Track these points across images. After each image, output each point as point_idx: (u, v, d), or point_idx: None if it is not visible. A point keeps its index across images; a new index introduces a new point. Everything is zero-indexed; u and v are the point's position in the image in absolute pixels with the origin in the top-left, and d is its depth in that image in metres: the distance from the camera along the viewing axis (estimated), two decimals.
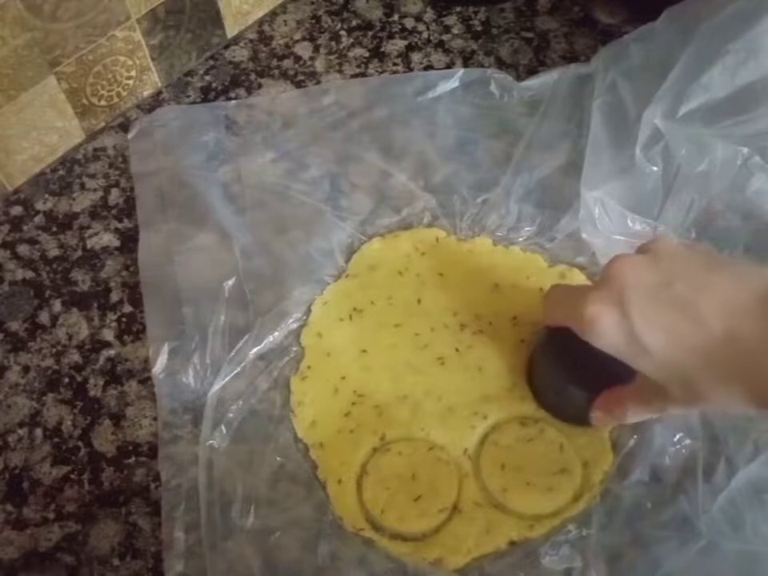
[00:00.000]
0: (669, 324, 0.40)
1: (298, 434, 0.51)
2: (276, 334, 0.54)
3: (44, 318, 0.57)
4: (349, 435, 0.50)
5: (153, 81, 0.66)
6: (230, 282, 0.55)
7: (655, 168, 0.56)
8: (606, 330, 0.41)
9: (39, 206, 0.62)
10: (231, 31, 0.69)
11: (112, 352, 0.55)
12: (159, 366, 0.53)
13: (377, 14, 0.71)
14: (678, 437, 0.49)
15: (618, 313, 0.41)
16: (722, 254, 0.54)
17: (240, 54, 0.69)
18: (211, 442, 0.50)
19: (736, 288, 0.40)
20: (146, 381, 0.53)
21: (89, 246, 0.60)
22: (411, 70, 0.67)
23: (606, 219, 0.56)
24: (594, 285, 0.44)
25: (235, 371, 0.52)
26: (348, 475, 0.49)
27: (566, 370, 0.48)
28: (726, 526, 0.46)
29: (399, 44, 0.69)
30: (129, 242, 0.59)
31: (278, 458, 0.50)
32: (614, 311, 0.41)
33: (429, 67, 0.68)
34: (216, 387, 0.52)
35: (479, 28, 0.70)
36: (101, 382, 0.54)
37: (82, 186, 0.63)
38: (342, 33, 0.70)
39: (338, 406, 0.51)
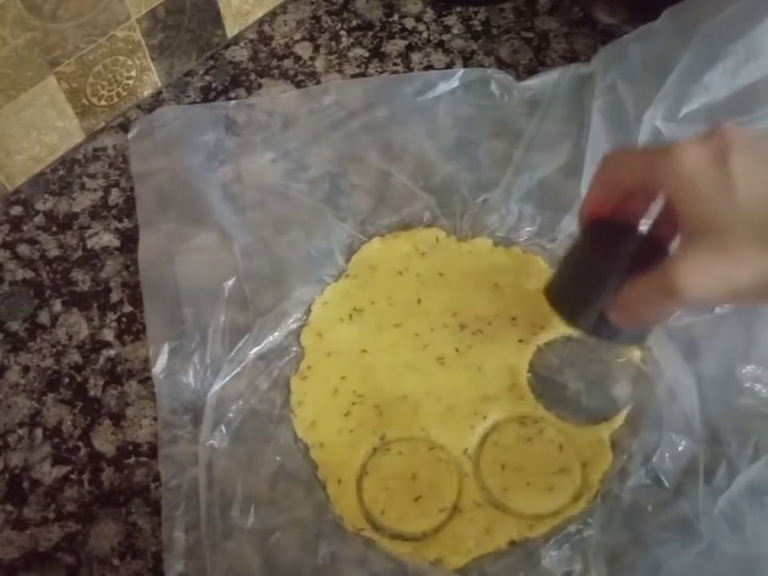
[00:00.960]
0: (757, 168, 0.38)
1: (298, 434, 0.51)
2: (276, 334, 0.54)
3: (44, 317, 0.57)
4: (349, 435, 0.50)
5: (153, 81, 0.66)
6: (230, 282, 0.55)
7: None
8: (693, 168, 0.38)
9: (39, 205, 0.62)
10: (231, 31, 0.69)
11: (112, 352, 0.55)
12: (159, 366, 0.53)
13: (377, 14, 0.71)
14: (679, 438, 0.49)
15: (715, 156, 0.38)
16: None
17: (240, 54, 0.69)
18: (211, 442, 0.50)
19: None
20: (146, 381, 0.53)
21: (89, 246, 0.60)
22: (411, 70, 0.67)
23: None
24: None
25: (235, 371, 0.52)
26: (348, 475, 0.49)
27: (609, 263, 0.44)
28: (727, 528, 0.46)
29: (399, 44, 0.69)
30: (129, 241, 0.59)
31: (278, 458, 0.50)
32: (709, 153, 0.38)
33: (429, 67, 0.68)
34: (216, 387, 0.52)
35: (479, 28, 0.70)
36: (101, 382, 0.54)
37: (82, 186, 0.63)
38: (342, 33, 0.70)
39: (338, 405, 0.51)
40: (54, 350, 0.55)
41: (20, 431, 0.52)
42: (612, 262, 0.43)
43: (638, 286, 0.41)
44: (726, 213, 0.38)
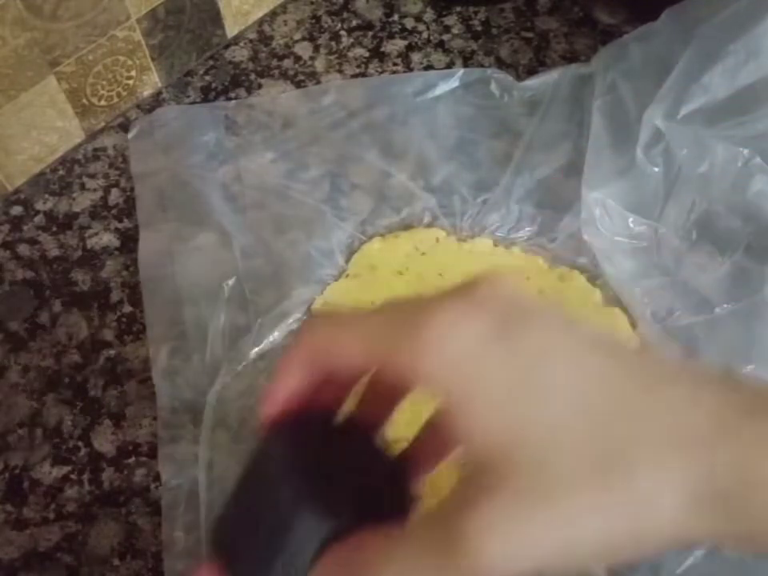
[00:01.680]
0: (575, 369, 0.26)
1: None
2: (276, 334, 0.54)
3: (44, 317, 0.57)
4: None
5: (153, 81, 0.66)
6: (230, 282, 0.55)
7: (656, 169, 0.56)
8: (463, 351, 0.25)
9: (39, 205, 0.62)
10: (231, 31, 0.69)
11: (112, 352, 0.55)
12: (159, 366, 0.53)
13: (377, 14, 0.71)
14: None
15: (491, 331, 0.26)
16: (723, 256, 0.55)
17: (240, 54, 0.69)
18: (211, 441, 0.50)
19: (623, 367, 0.26)
20: (146, 381, 0.53)
21: (89, 246, 0.60)
22: (411, 70, 0.67)
23: (607, 220, 0.56)
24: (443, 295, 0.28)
25: (235, 371, 0.52)
26: None
27: (298, 486, 0.28)
28: None
29: (399, 44, 0.69)
30: (129, 241, 0.59)
31: None
32: (482, 327, 0.26)
33: (429, 67, 0.67)
34: (216, 387, 0.52)
35: (479, 28, 0.70)
36: (101, 382, 0.54)
37: (82, 186, 0.62)
38: (342, 33, 0.70)
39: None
40: (54, 349, 0.55)
41: (20, 431, 0.52)
42: (310, 492, 0.27)
43: (378, 543, 0.26)
44: (548, 437, 0.25)
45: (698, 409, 0.25)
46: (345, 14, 0.71)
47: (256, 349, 0.53)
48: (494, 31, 0.69)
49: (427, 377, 0.26)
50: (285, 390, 0.29)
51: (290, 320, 0.54)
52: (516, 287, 0.27)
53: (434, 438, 0.31)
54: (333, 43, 0.69)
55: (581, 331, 0.27)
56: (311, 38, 0.70)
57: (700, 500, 0.24)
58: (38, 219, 0.61)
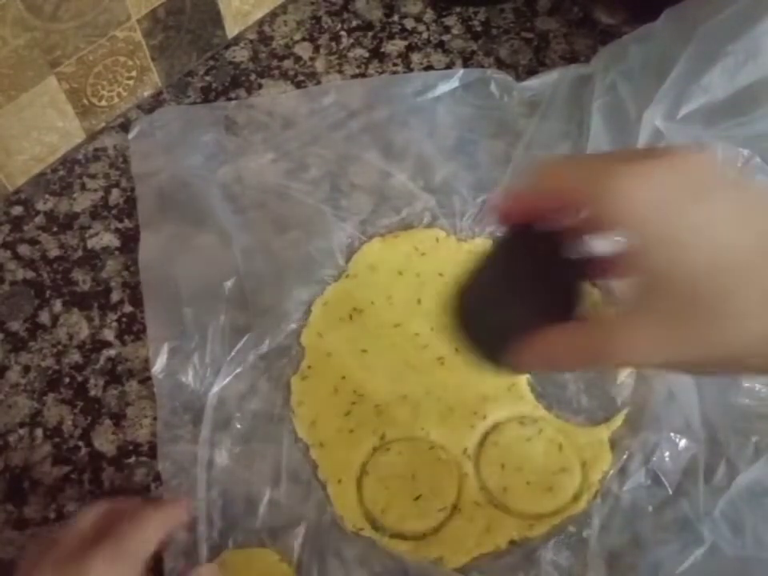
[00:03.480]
0: (747, 217, 0.30)
1: (298, 434, 0.51)
2: (276, 334, 0.54)
3: (44, 317, 0.57)
4: (349, 435, 0.51)
5: (153, 81, 0.66)
6: (230, 282, 0.55)
7: None
8: (654, 195, 0.30)
9: (40, 206, 0.62)
10: (231, 31, 0.69)
11: (112, 352, 0.55)
12: (159, 366, 0.53)
13: (377, 15, 0.71)
14: (678, 438, 0.49)
15: (689, 190, 0.30)
16: None
17: (240, 54, 0.69)
18: (211, 441, 0.50)
19: None
20: (146, 381, 0.53)
21: (89, 246, 0.60)
22: (411, 70, 0.67)
23: None
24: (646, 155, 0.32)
25: (235, 371, 0.52)
26: (348, 475, 0.49)
27: (520, 284, 0.35)
28: (728, 530, 0.46)
29: (399, 44, 0.69)
30: (129, 242, 0.59)
31: (278, 458, 0.50)
32: (682, 184, 0.30)
33: (429, 67, 0.68)
34: (216, 387, 0.52)
35: (479, 28, 0.70)
36: (101, 382, 0.54)
37: (83, 186, 0.63)
38: (342, 33, 0.70)
39: (338, 405, 0.52)
40: (55, 349, 0.55)
41: (20, 431, 0.52)
42: (537, 281, 0.34)
43: (564, 332, 0.33)
44: (683, 267, 0.30)
45: None
46: (345, 15, 0.71)
47: (256, 349, 0.53)
48: (494, 31, 0.69)
49: (633, 211, 0.30)
50: (528, 203, 0.34)
51: (290, 320, 0.55)
52: (703, 162, 0.31)
53: (615, 265, 0.35)
54: (333, 43, 0.69)
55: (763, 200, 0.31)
56: (311, 39, 0.70)
57: None
58: (39, 219, 0.61)
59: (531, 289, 0.34)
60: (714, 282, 0.30)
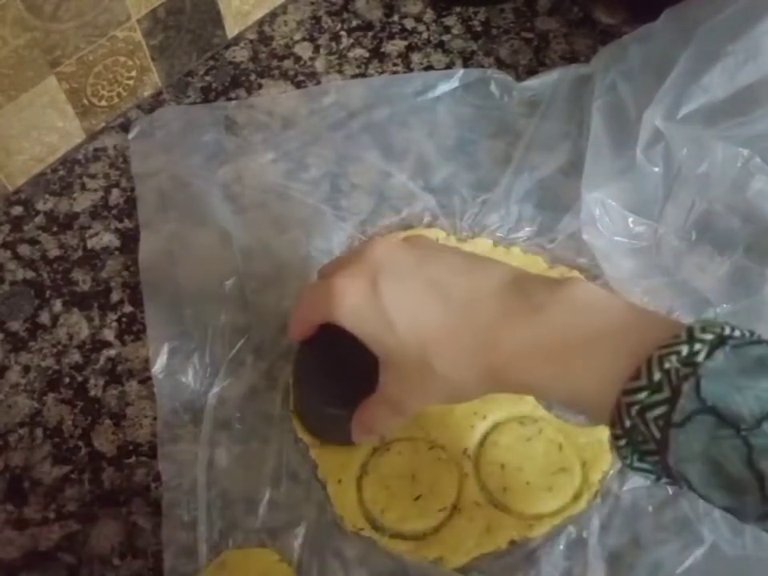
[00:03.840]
0: (417, 300, 0.40)
1: (298, 434, 0.51)
2: (276, 334, 0.54)
3: (44, 317, 0.57)
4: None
5: (153, 81, 0.66)
6: (230, 282, 0.55)
7: (656, 169, 0.56)
8: (352, 303, 0.40)
9: (40, 206, 0.62)
10: (231, 31, 0.69)
11: (112, 352, 0.55)
12: (159, 366, 0.53)
13: (377, 15, 0.71)
14: None
15: (368, 288, 0.40)
16: (723, 256, 0.55)
17: (240, 54, 0.69)
18: (211, 441, 0.50)
19: (485, 275, 0.40)
20: (146, 381, 0.53)
21: (89, 246, 0.60)
22: (411, 70, 0.67)
23: (607, 220, 0.56)
24: (343, 263, 0.43)
25: (235, 371, 0.52)
26: (348, 475, 0.49)
27: (322, 391, 0.46)
28: (728, 530, 0.46)
29: (399, 44, 0.69)
30: (129, 242, 0.59)
31: (278, 458, 0.50)
32: (364, 283, 0.40)
33: (429, 67, 0.68)
34: (216, 387, 0.52)
35: (479, 28, 0.70)
36: (101, 382, 0.54)
37: (83, 186, 0.63)
38: (342, 33, 0.70)
39: None
40: (55, 349, 0.55)
41: (20, 431, 0.52)
42: (332, 367, 0.45)
43: (365, 409, 0.44)
44: (392, 351, 0.40)
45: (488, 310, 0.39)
46: (345, 15, 0.71)
47: (256, 349, 0.53)
48: (494, 31, 0.69)
49: (344, 325, 0.41)
50: (299, 329, 0.46)
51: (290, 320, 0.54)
52: (382, 249, 0.41)
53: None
54: (333, 43, 0.69)
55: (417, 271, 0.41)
56: (311, 39, 0.70)
57: (489, 378, 0.39)
58: (39, 219, 0.61)
59: (340, 376, 0.44)
60: (413, 357, 0.39)
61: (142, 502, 0.50)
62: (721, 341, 0.33)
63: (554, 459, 0.49)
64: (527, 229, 0.58)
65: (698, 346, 0.33)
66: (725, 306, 0.53)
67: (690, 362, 0.32)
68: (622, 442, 0.35)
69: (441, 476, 0.49)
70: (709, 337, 0.33)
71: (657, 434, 0.33)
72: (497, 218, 0.58)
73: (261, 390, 0.52)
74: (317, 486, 0.49)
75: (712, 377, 0.32)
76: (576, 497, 0.48)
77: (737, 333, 0.33)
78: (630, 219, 0.56)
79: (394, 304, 0.39)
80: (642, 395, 0.33)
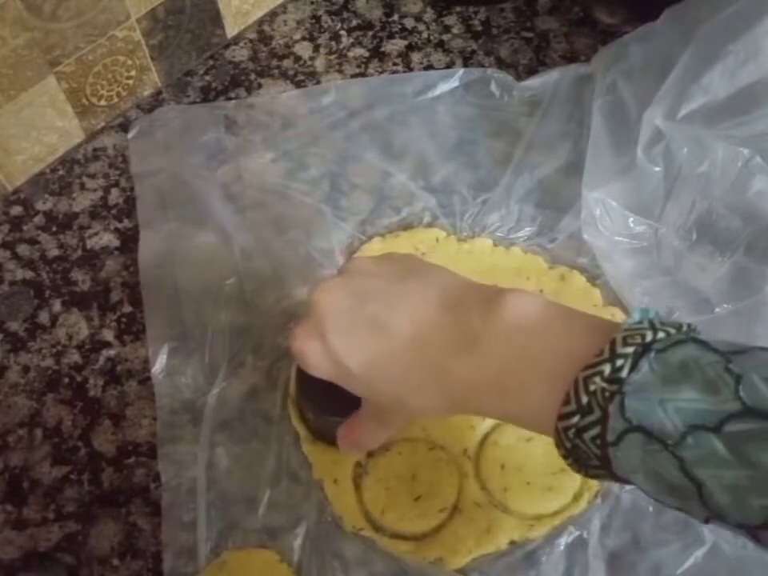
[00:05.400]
0: (364, 343, 0.41)
1: (293, 423, 0.51)
2: (276, 334, 0.54)
3: (44, 317, 0.57)
4: None
5: (153, 81, 0.66)
6: (230, 282, 0.55)
7: (657, 168, 0.56)
8: (314, 362, 0.42)
9: (39, 205, 0.62)
10: (231, 31, 0.69)
11: (112, 352, 0.55)
12: (159, 366, 0.53)
13: (377, 14, 0.71)
14: None
15: (320, 343, 0.41)
16: (723, 256, 0.55)
17: (240, 53, 0.69)
18: (211, 441, 0.50)
19: (422, 297, 0.41)
20: (146, 381, 0.53)
21: (89, 246, 0.60)
22: (411, 69, 0.67)
23: (608, 220, 0.55)
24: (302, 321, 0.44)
25: (235, 371, 0.52)
26: (343, 475, 0.49)
27: (318, 401, 0.48)
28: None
29: (399, 44, 0.69)
30: (129, 241, 0.59)
31: (278, 458, 0.50)
32: (316, 342, 0.41)
33: (429, 67, 0.67)
34: (216, 387, 0.52)
35: (479, 28, 0.70)
36: (101, 382, 0.54)
37: (82, 186, 0.62)
38: (342, 33, 0.70)
39: None
40: (54, 350, 0.55)
41: (20, 431, 0.52)
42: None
43: (350, 425, 0.46)
44: (360, 388, 0.42)
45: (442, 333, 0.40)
46: (345, 14, 0.71)
47: (256, 349, 0.53)
48: (494, 31, 0.69)
49: (314, 375, 0.43)
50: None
51: (290, 320, 0.54)
52: (323, 298, 0.43)
53: None
54: (333, 43, 0.69)
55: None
56: (311, 38, 0.70)
57: (454, 403, 0.40)
58: (38, 219, 0.61)
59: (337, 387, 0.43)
60: (382, 394, 0.41)
61: (142, 502, 0.50)
62: (644, 349, 0.33)
63: (555, 459, 0.48)
64: (527, 229, 0.58)
65: (619, 362, 0.33)
66: (725, 305, 0.53)
67: (614, 378, 0.33)
68: (569, 461, 0.36)
69: (441, 476, 0.49)
70: (629, 350, 0.33)
71: (597, 452, 0.34)
72: (497, 217, 0.58)
73: (261, 390, 0.52)
74: (316, 486, 0.49)
75: (635, 393, 0.32)
76: (576, 497, 0.48)
77: (660, 335, 0.34)
78: (631, 219, 0.56)
79: (346, 354, 0.41)
80: (575, 419, 0.34)
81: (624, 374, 0.33)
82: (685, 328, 0.34)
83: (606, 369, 0.33)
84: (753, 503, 0.30)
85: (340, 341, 0.41)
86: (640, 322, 0.35)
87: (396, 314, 0.41)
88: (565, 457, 0.36)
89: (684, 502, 0.32)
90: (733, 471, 0.30)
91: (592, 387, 0.33)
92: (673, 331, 0.34)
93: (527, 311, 0.38)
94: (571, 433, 0.34)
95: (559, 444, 0.35)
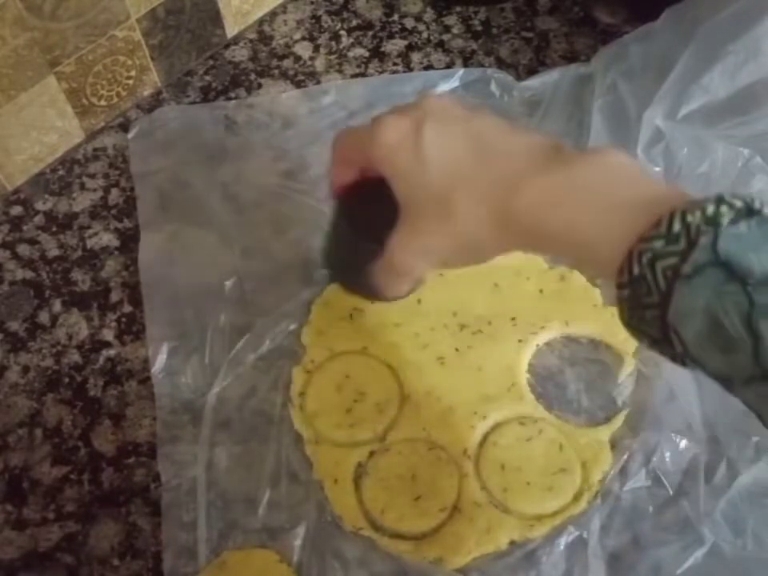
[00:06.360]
0: (454, 146, 0.41)
1: (295, 425, 0.51)
2: (276, 334, 0.54)
3: (44, 317, 0.57)
4: (348, 430, 0.50)
5: (153, 81, 0.66)
6: (230, 282, 0.55)
7: (657, 168, 0.56)
8: (394, 137, 0.42)
9: (39, 205, 0.62)
10: (231, 31, 0.69)
11: (112, 352, 0.55)
12: (159, 366, 0.53)
13: (377, 14, 0.71)
14: (679, 439, 0.49)
15: (412, 128, 0.42)
16: None
17: (240, 53, 0.69)
18: (211, 441, 0.50)
19: (526, 136, 0.41)
20: (146, 381, 0.53)
21: (89, 246, 0.60)
22: (411, 69, 0.67)
23: None
24: (397, 107, 0.44)
25: (235, 371, 0.52)
26: (344, 475, 0.49)
27: (362, 231, 0.47)
28: (729, 530, 0.46)
29: (399, 44, 0.69)
30: (129, 241, 0.59)
31: (278, 458, 0.50)
32: (408, 125, 0.42)
33: (429, 67, 0.67)
34: (216, 387, 0.52)
35: (479, 28, 0.70)
36: (101, 382, 0.54)
37: (82, 186, 0.62)
38: (342, 33, 0.70)
39: (341, 402, 0.51)
40: (54, 350, 0.55)
41: (20, 431, 0.52)
42: (367, 226, 0.46)
43: (383, 259, 0.45)
44: (418, 187, 0.42)
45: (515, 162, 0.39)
46: (345, 14, 0.71)
47: (256, 349, 0.53)
48: (494, 31, 0.69)
49: (379, 159, 0.43)
50: (339, 175, 0.47)
51: (290, 320, 0.54)
52: (436, 100, 0.43)
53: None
54: (333, 43, 0.69)
55: (463, 125, 0.42)
56: (311, 38, 0.70)
57: (505, 225, 0.39)
58: (38, 219, 0.61)
59: (374, 220, 0.44)
60: (436, 194, 0.41)
61: (142, 502, 0.50)
62: (749, 212, 0.33)
63: (555, 459, 0.49)
64: None
65: (724, 209, 0.33)
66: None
67: (713, 221, 0.33)
68: (625, 292, 0.35)
69: (441, 476, 0.49)
70: (738, 203, 0.33)
71: (663, 285, 0.33)
72: None
73: (261, 390, 0.52)
74: (316, 486, 0.49)
75: (732, 237, 0.32)
76: (576, 497, 0.48)
77: (767, 210, 0.33)
78: None
79: (431, 145, 0.41)
80: (658, 243, 0.33)
81: (724, 221, 0.32)
82: None
83: (710, 208, 0.33)
84: None
85: (433, 132, 0.41)
86: (751, 195, 0.34)
87: (497, 136, 0.41)
88: (622, 287, 0.35)
89: (730, 356, 0.32)
90: None
91: (689, 219, 0.33)
92: None
93: (628, 160, 0.39)
94: (646, 258, 0.33)
95: (625, 270, 0.34)
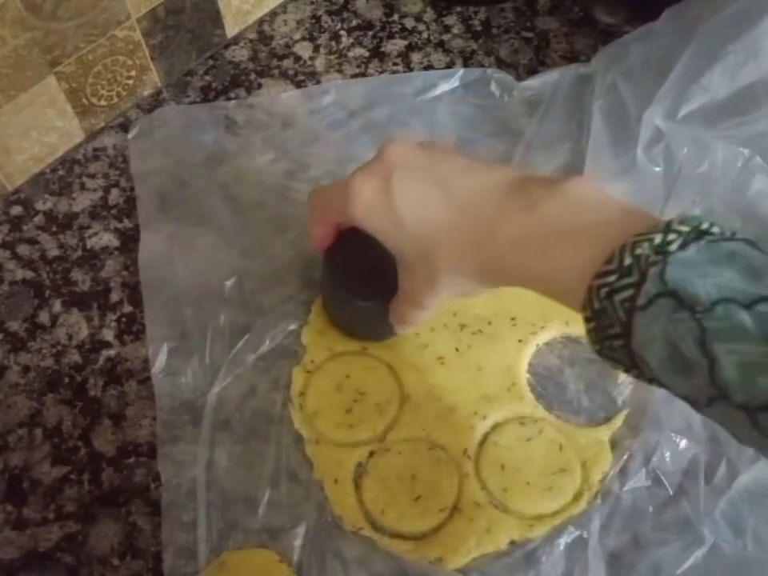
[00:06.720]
0: (424, 195, 0.43)
1: (296, 425, 0.51)
2: (276, 334, 0.54)
3: (44, 317, 0.57)
4: (348, 430, 0.50)
5: (153, 81, 0.66)
6: (230, 282, 0.55)
7: (657, 168, 0.56)
8: (367, 200, 0.43)
9: (39, 205, 0.62)
10: (231, 31, 0.69)
11: (112, 352, 0.55)
12: (158, 366, 0.53)
13: (377, 14, 0.71)
14: (679, 438, 0.49)
15: (382, 186, 0.43)
16: None
17: (240, 53, 0.69)
18: (211, 441, 0.50)
19: (491, 176, 0.43)
20: (146, 381, 0.53)
21: (89, 246, 0.60)
22: (411, 70, 0.67)
23: None
24: (364, 165, 0.46)
25: (235, 371, 0.52)
26: (344, 475, 0.49)
27: (349, 287, 0.49)
28: (729, 530, 0.46)
29: (399, 44, 0.69)
30: (129, 241, 0.59)
31: (278, 458, 0.50)
32: (378, 182, 0.43)
33: (429, 67, 0.67)
34: (216, 387, 0.52)
35: (479, 28, 0.70)
36: (101, 382, 0.54)
37: (82, 186, 0.62)
38: (342, 33, 0.70)
39: (341, 402, 0.51)
40: (54, 350, 0.55)
41: (20, 431, 0.52)
42: (358, 282, 0.49)
43: (397, 305, 0.47)
44: (401, 240, 0.44)
45: (488, 208, 0.41)
46: (345, 14, 0.71)
47: (256, 349, 0.53)
48: (494, 31, 0.69)
49: (357, 220, 0.45)
50: (319, 234, 0.49)
51: (291, 320, 0.54)
52: (399, 150, 0.44)
53: None
54: (333, 43, 0.69)
55: (426, 173, 0.44)
56: (311, 38, 0.70)
57: (487, 272, 0.42)
58: (38, 219, 0.61)
59: (365, 273, 0.48)
60: (420, 252, 0.43)
61: (142, 502, 0.50)
62: (697, 235, 0.34)
63: (555, 459, 0.49)
64: None
65: (672, 236, 0.34)
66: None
67: (661, 250, 0.34)
68: (591, 325, 0.36)
69: (441, 476, 0.49)
70: (685, 229, 0.34)
71: (623, 317, 0.34)
72: None
73: (261, 390, 0.52)
74: (316, 486, 0.49)
75: (679, 264, 0.33)
76: (576, 497, 0.48)
77: (716, 229, 0.34)
78: None
79: (403, 202, 0.43)
80: (612, 278, 0.35)
81: (673, 248, 0.33)
82: (740, 235, 0.35)
83: (657, 238, 0.34)
84: (761, 381, 0.30)
85: (402, 186, 0.43)
86: (699, 217, 0.35)
87: (463, 180, 0.42)
88: (588, 320, 0.36)
89: (691, 379, 0.32)
90: (750, 347, 0.31)
91: (638, 251, 0.34)
92: (728, 233, 0.34)
93: (594, 193, 0.40)
94: (603, 292, 0.35)
95: (587, 305, 0.36)
